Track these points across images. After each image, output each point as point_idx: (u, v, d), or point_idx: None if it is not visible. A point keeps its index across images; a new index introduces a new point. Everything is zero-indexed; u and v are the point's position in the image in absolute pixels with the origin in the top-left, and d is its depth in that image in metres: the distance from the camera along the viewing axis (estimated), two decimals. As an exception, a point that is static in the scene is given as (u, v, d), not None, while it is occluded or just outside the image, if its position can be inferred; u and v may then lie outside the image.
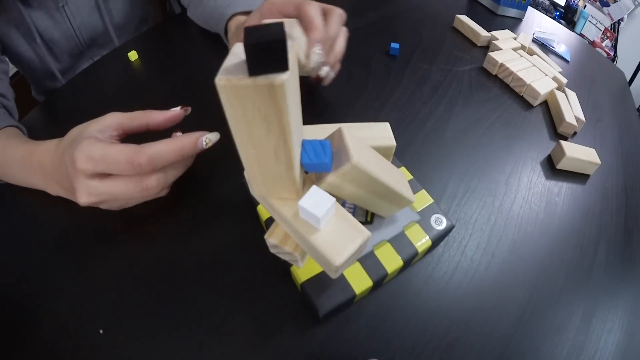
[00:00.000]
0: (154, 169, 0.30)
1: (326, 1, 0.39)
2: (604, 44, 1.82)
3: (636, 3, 1.71)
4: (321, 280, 0.29)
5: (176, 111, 0.34)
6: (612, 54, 1.80)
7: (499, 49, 0.60)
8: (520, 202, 0.42)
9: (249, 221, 0.35)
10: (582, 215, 0.42)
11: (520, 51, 0.61)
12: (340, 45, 0.40)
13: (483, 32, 0.64)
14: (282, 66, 0.16)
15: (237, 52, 0.18)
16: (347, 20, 0.40)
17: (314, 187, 0.22)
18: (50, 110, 0.48)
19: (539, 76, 0.56)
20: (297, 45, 0.33)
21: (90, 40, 0.61)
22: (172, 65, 0.53)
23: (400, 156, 0.41)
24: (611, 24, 1.80)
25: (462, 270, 0.35)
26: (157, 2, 0.69)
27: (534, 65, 0.58)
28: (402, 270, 0.33)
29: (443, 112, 0.50)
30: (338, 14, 0.39)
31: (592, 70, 0.69)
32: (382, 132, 0.34)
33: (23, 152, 0.35)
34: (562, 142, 0.46)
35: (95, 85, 0.51)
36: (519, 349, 0.31)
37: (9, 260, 0.33)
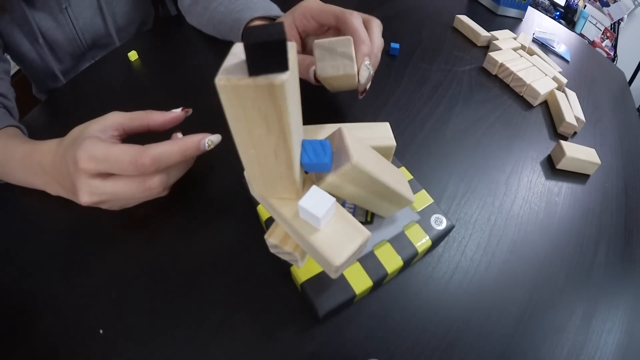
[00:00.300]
0: (157, 169, 0.30)
1: (329, 1, 0.39)
2: (604, 44, 1.82)
3: (636, 3, 1.71)
4: (321, 280, 0.29)
5: (177, 113, 0.34)
6: (612, 54, 1.80)
7: (499, 49, 0.60)
8: (520, 202, 0.42)
9: (249, 221, 0.35)
10: (582, 215, 0.42)
11: (520, 51, 0.61)
12: (379, 55, 0.38)
13: (483, 32, 0.64)
14: (282, 66, 0.16)
15: (237, 52, 0.18)
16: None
17: (314, 187, 0.22)
18: (51, 110, 0.48)
19: (539, 76, 0.56)
20: (351, 65, 0.33)
21: (92, 42, 0.61)
22: (172, 65, 0.53)
23: (400, 156, 0.40)
24: (611, 24, 1.80)
25: (462, 270, 0.35)
26: (156, 4, 0.69)
27: (534, 65, 0.58)
28: (402, 270, 0.33)
29: (443, 112, 0.50)
30: (378, 24, 0.38)
31: (592, 70, 0.69)
32: (382, 132, 0.34)
33: (23, 151, 0.35)
34: (562, 142, 0.46)
35: (96, 84, 0.51)
36: (519, 349, 0.31)
37: (9, 260, 0.33)
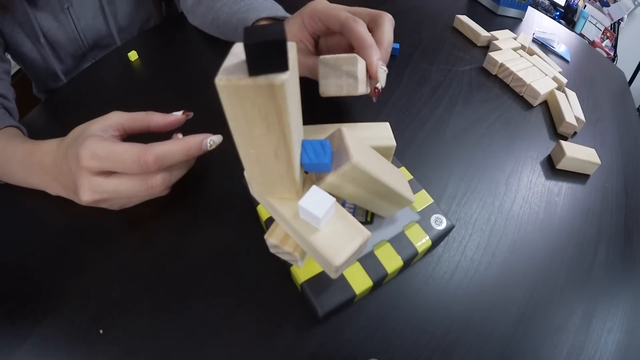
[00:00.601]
0: (160, 168, 0.30)
1: (332, 0, 0.39)
2: (604, 44, 1.82)
3: (636, 3, 1.71)
4: (321, 280, 0.29)
5: (177, 116, 0.34)
6: (612, 54, 1.80)
7: (499, 49, 0.60)
8: (520, 202, 0.42)
9: (249, 221, 0.35)
10: (582, 215, 0.42)
11: (520, 51, 0.61)
12: (390, 50, 0.38)
13: (483, 32, 0.64)
14: (282, 66, 0.16)
15: (237, 52, 0.18)
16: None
17: (314, 187, 0.22)
18: (51, 110, 0.48)
19: (539, 76, 0.56)
20: (354, 85, 0.33)
21: (94, 43, 0.61)
22: (172, 65, 0.53)
23: (400, 156, 0.40)
24: (611, 24, 1.81)
25: (462, 270, 0.35)
26: (156, 4, 0.69)
27: (534, 65, 0.58)
28: (402, 270, 0.33)
29: (443, 112, 0.50)
30: (389, 19, 0.37)
31: (592, 70, 0.69)
32: (382, 132, 0.34)
33: (23, 151, 0.35)
34: (562, 142, 0.46)
35: (96, 84, 0.51)
36: (519, 349, 0.31)
37: (9, 260, 0.33)
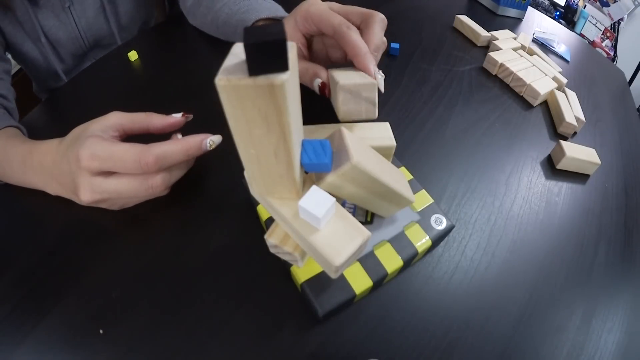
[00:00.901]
0: (160, 168, 0.30)
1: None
2: (604, 44, 1.82)
3: (636, 3, 1.71)
4: (321, 280, 0.29)
5: (177, 118, 0.34)
6: (612, 54, 1.80)
7: (499, 49, 0.60)
8: (520, 202, 0.42)
9: (249, 221, 0.35)
10: (582, 215, 0.42)
11: (520, 51, 0.61)
12: (380, 54, 0.38)
13: (483, 32, 0.64)
14: (282, 66, 0.16)
15: (237, 52, 0.18)
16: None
17: (314, 187, 0.22)
18: (51, 110, 0.48)
19: (539, 76, 0.56)
20: (373, 110, 0.33)
21: (95, 42, 0.61)
22: (172, 65, 0.53)
23: (400, 156, 0.40)
24: (611, 24, 1.81)
25: (462, 270, 0.35)
26: (159, 3, 0.69)
27: (534, 65, 0.58)
28: (402, 270, 0.33)
29: (443, 112, 0.50)
30: (380, 19, 0.37)
31: (592, 70, 0.69)
32: (382, 132, 0.34)
33: (23, 151, 0.35)
34: (562, 142, 0.46)
35: (96, 84, 0.51)
36: (519, 349, 0.31)
37: (9, 260, 0.33)
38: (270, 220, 0.31)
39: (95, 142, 0.29)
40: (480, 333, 0.31)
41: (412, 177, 0.36)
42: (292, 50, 0.18)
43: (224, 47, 0.18)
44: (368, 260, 0.30)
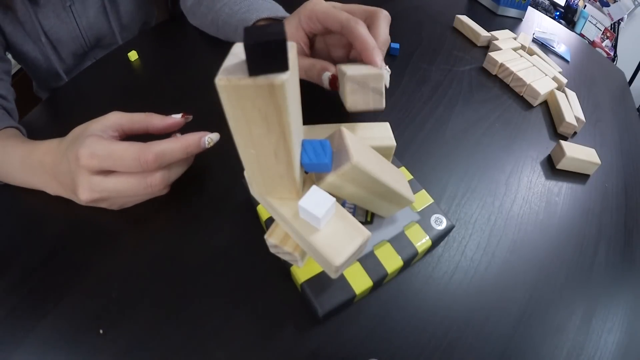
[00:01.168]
0: (160, 166, 0.30)
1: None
2: (604, 44, 1.82)
3: (636, 3, 1.71)
4: (321, 280, 0.29)
5: (177, 119, 0.35)
6: (612, 54, 1.80)
7: (499, 49, 0.60)
8: (520, 202, 0.42)
9: (249, 221, 0.35)
10: (582, 215, 0.42)
11: (520, 51, 0.61)
12: (385, 50, 0.38)
13: (483, 32, 0.64)
14: (282, 66, 0.16)
15: (237, 52, 0.18)
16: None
17: (314, 187, 0.22)
18: (51, 109, 0.48)
19: (539, 76, 0.56)
20: (380, 100, 0.33)
21: (96, 41, 0.61)
22: (172, 65, 0.53)
23: (400, 156, 0.40)
24: (611, 24, 1.81)
25: (462, 270, 0.35)
26: (161, 2, 0.69)
27: (534, 65, 0.58)
28: (402, 270, 0.33)
29: (443, 112, 0.50)
30: (385, 16, 0.37)
31: (592, 70, 0.69)
32: (382, 132, 0.34)
33: (23, 151, 0.35)
34: (562, 142, 0.46)
35: (96, 84, 0.51)
36: (519, 349, 0.31)
37: (9, 260, 0.33)
38: (270, 220, 0.31)
39: (94, 141, 0.30)
40: (480, 333, 0.31)
41: (412, 177, 0.36)
42: (292, 50, 0.18)
43: (224, 47, 0.18)
44: (368, 260, 0.30)
